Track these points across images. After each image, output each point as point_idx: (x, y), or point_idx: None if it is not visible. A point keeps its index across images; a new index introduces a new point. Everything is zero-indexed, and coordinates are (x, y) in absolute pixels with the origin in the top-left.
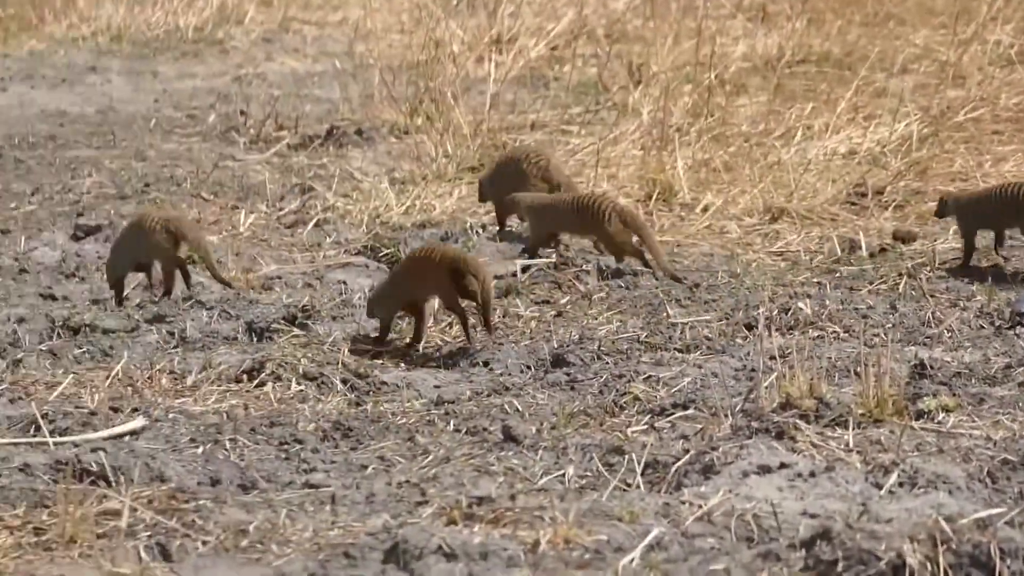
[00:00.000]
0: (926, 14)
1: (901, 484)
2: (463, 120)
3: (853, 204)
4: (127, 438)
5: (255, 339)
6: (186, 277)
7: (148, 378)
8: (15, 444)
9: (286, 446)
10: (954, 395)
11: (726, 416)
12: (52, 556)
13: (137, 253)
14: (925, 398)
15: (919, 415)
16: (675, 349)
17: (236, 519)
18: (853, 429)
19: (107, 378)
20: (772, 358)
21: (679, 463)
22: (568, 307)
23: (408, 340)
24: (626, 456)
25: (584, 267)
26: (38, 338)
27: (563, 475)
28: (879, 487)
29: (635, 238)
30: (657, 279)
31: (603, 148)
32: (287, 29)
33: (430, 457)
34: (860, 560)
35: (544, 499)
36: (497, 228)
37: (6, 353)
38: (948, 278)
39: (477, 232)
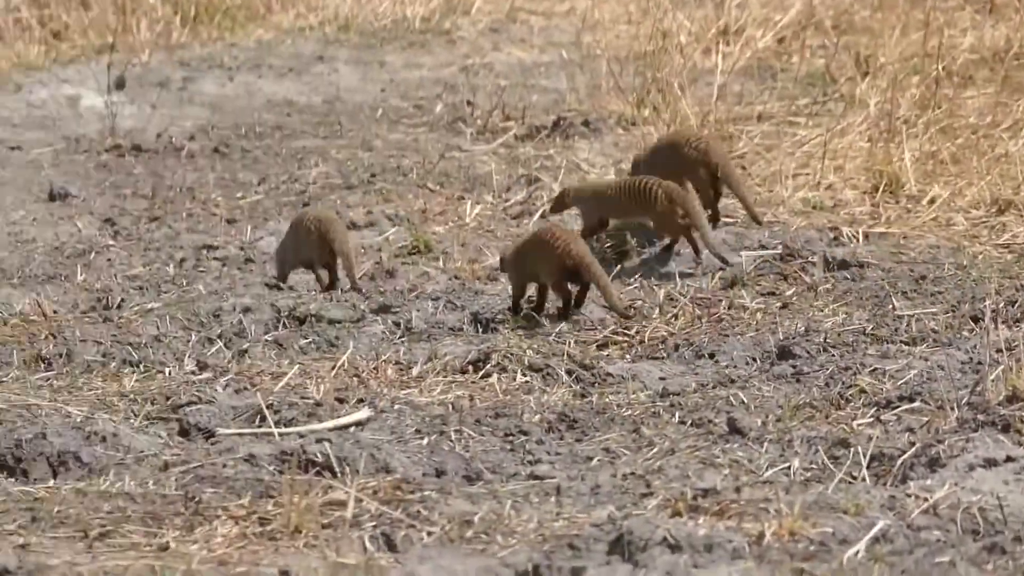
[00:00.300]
0: None
1: None
2: (690, 111)
3: None
4: (352, 429)
5: (480, 330)
6: (330, 278)
7: (374, 369)
8: (240, 435)
9: (511, 437)
10: None
11: (952, 409)
12: (277, 546)
13: (297, 251)
14: None
15: None
16: (901, 341)
17: (461, 510)
18: None
19: (332, 368)
20: (999, 351)
21: (905, 456)
22: (794, 299)
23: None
24: (852, 449)
25: (810, 259)
26: (264, 328)
27: (788, 467)
28: None
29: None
30: (699, 259)
31: (830, 140)
32: (514, 19)
33: (655, 449)
34: None
35: (769, 491)
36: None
37: (232, 343)
38: None
39: None
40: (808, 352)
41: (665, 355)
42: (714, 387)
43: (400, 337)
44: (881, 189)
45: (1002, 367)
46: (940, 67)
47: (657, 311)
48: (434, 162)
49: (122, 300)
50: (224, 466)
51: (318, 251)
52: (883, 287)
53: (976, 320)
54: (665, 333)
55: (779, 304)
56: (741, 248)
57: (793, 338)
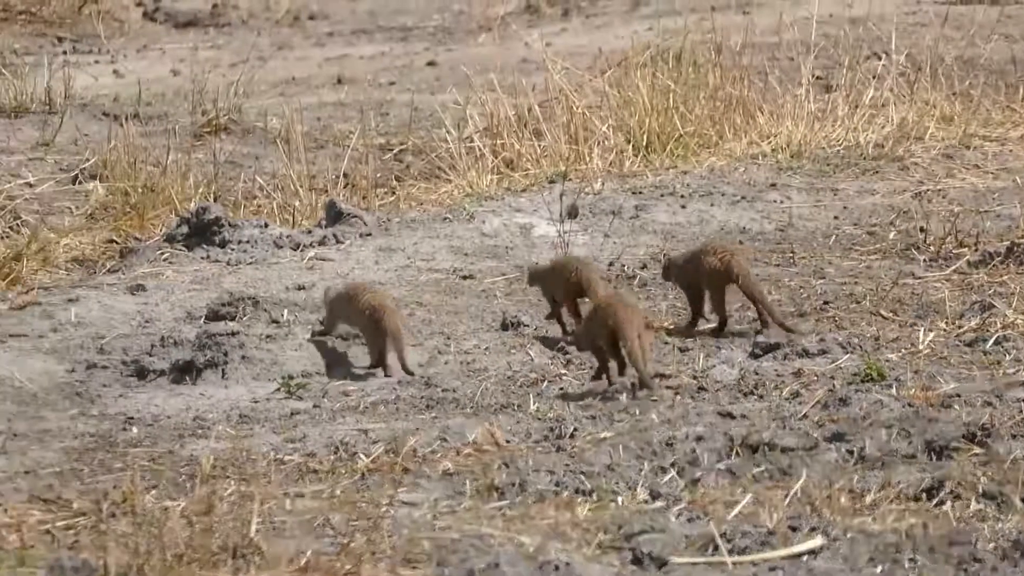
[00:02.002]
0: None
1: None
2: None
3: None
4: (805, 557)
5: (934, 457)
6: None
7: (827, 496)
8: (694, 563)
9: (964, 566)
10: None
11: None
12: None
13: (343, 319)
14: None
15: None
16: None
17: None
18: None
19: (785, 496)
20: None
21: None
22: None
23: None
24: None
25: None
26: (716, 456)
27: None
28: None
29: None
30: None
31: None
32: (968, 145)
33: None
34: None
35: None
36: None
37: (684, 472)
38: None
39: None
40: None
41: None
42: None
43: (853, 464)
44: None
45: None
46: None
47: None
48: (887, 289)
49: (575, 429)
50: None
51: (370, 326)
52: None
53: None
54: None
55: None
56: None
57: None
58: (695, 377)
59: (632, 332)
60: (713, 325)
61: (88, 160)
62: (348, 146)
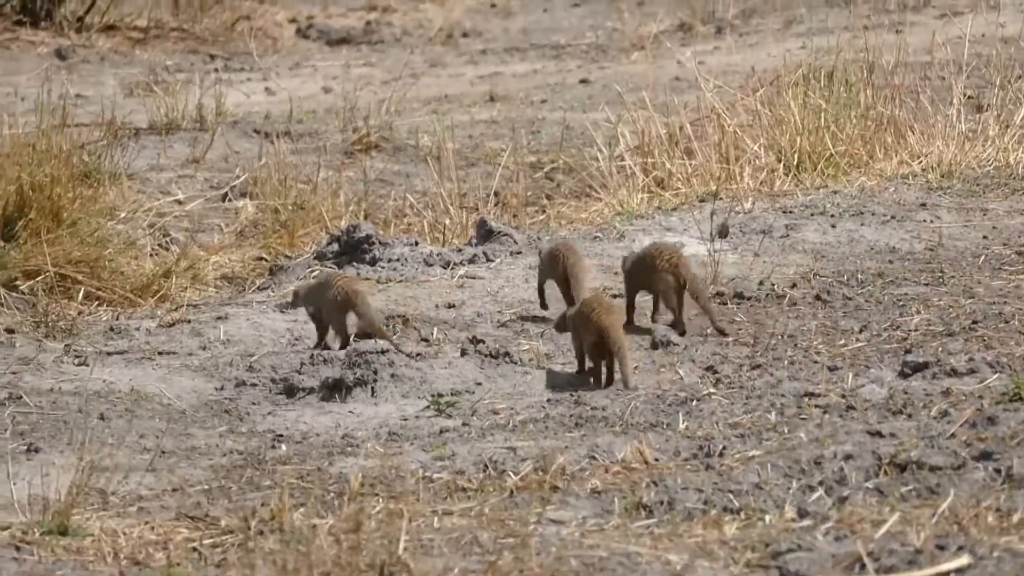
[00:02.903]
0: None
1: None
2: None
3: None
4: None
5: None
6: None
7: (974, 515)
8: None
9: None
10: None
11: None
12: None
13: (315, 304)
14: None
15: None
16: None
17: None
18: None
19: (933, 515)
20: None
21: None
22: None
23: None
24: None
25: None
26: (864, 475)
27: None
28: None
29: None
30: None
31: None
32: None
33: None
34: None
35: None
36: None
37: (832, 491)
38: None
39: None
40: None
41: None
42: None
43: (1001, 484)
44: None
45: None
46: None
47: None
48: None
49: (723, 447)
50: None
51: (338, 312)
52: None
53: None
54: None
55: None
56: None
57: None
58: (844, 396)
59: (620, 333)
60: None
61: (238, 178)
62: (499, 164)
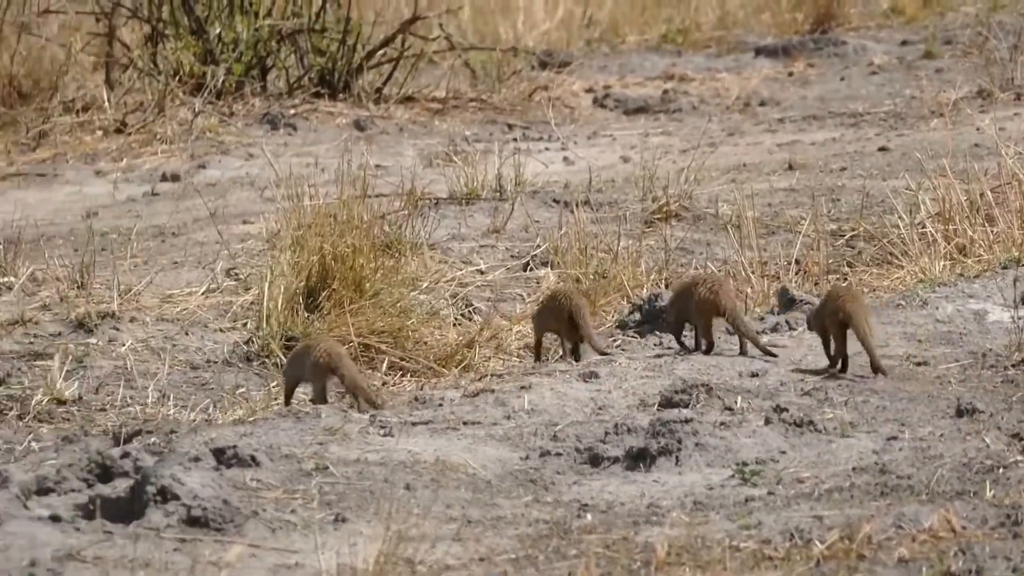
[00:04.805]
0: None
1: None
2: None
3: None
4: None
5: None
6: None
7: None
8: None
9: None
10: None
11: None
12: None
13: (299, 371)
14: None
15: None
16: None
17: None
18: None
19: None
20: None
21: None
22: None
23: None
24: None
25: None
26: None
27: None
28: None
29: None
30: None
31: None
32: None
33: None
34: None
35: None
36: None
37: None
38: None
39: None
40: None
41: None
42: None
43: None
44: None
45: None
46: None
47: None
48: None
49: None
50: None
51: (319, 378)
52: None
53: None
54: None
55: None
56: None
57: None
58: None
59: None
60: None
61: (539, 247)
62: (799, 232)
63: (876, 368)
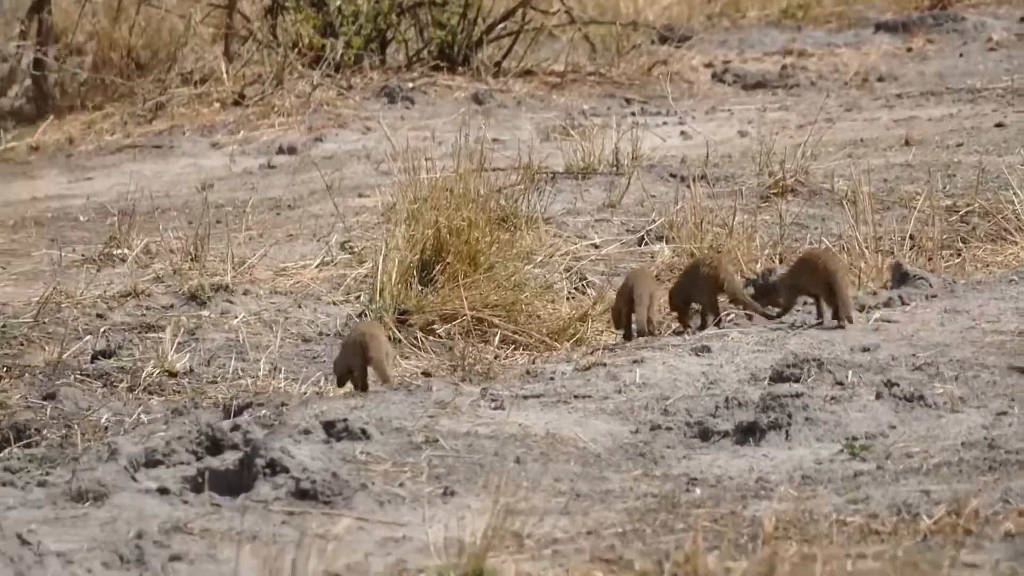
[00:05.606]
0: None
1: None
2: None
3: None
4: None
5: None
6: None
7: None
8: None
9: None
10: None
11: None
12: None
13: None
14: None
15: None
16: None
17: None
18: None
19: None
20: None
21: None
22: None
23: None
24: None
25: None
26: None
27: None
28: None
29: None
30: None
31: None
32: None
33: None
34: None
35: None
36: None
37: None
38: None
39: None
40: None
41: None
42: None
43: None
44: None
45: None
46: None
47: None
48: None
49: None
50: None
51: (358, 361)
52: None
53: None
54: None
55: None
56: None
57: None
58: None
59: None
60: None
61: (654, 221)
62: (914, 208)
63: (847, 318)
